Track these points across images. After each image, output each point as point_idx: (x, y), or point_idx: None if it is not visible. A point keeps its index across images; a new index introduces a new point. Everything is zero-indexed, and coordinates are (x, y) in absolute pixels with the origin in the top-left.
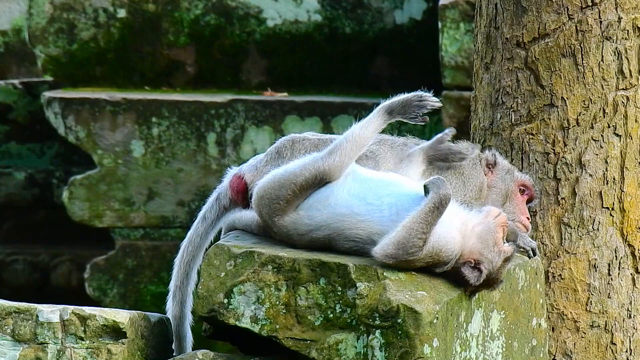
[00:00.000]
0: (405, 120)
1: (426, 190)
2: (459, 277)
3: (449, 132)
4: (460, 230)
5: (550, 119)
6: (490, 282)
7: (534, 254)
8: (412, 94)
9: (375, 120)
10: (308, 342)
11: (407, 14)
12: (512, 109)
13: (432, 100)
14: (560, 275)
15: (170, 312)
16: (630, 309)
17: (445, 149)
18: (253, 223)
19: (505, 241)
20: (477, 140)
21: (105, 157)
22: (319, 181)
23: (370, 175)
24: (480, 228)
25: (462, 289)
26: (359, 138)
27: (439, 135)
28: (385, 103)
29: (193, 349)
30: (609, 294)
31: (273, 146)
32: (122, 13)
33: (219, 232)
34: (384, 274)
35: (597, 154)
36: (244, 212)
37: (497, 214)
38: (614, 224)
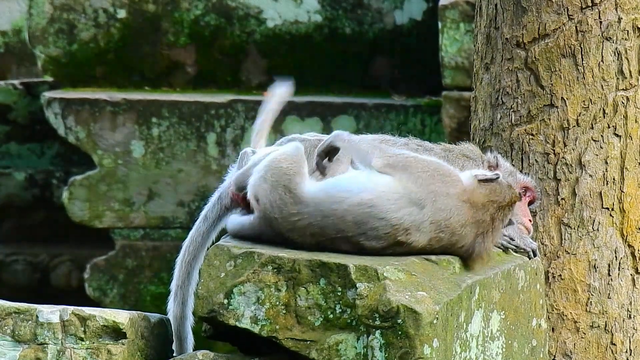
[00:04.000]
0: None
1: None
2: None
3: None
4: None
5: (550, 119)
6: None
7: (534, 255)
8: None
9: None
10: (308, 342)
11: (407, 14)
12: (512, 110)
13: None
14: (560, 275)
15: (171, 313)
16: (630, 310)
17: None
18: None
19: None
20: (477, 140)
21: (105, 158)
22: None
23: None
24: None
25: (463, 288)
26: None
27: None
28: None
29: (193, 350)
30: (609, 294)
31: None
32: (122, 13)
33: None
34: (384, 274)
35: (597, 155)
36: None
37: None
38: (614, 225)
